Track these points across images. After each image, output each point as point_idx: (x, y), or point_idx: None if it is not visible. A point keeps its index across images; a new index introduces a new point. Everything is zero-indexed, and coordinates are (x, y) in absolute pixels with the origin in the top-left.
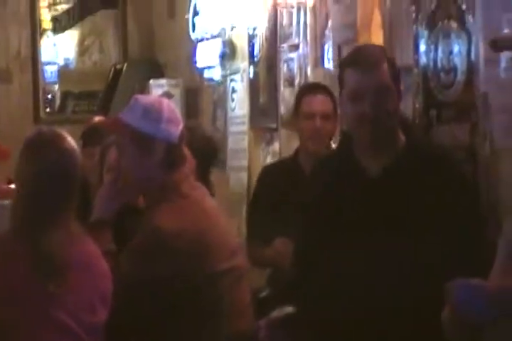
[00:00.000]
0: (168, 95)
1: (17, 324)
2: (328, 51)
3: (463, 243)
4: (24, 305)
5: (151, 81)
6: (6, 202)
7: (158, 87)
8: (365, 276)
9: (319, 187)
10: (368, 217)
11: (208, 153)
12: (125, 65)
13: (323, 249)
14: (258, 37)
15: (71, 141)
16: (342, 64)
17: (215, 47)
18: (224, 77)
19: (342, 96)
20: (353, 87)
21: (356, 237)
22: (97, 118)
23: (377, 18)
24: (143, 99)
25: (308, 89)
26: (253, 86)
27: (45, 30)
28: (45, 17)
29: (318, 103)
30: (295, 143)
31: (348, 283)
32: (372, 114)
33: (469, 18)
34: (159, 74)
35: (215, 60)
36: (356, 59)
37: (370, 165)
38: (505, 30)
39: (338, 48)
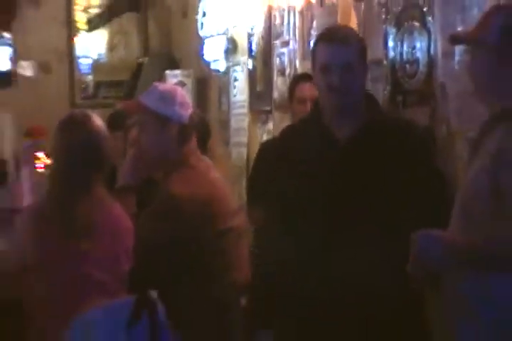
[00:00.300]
0: (181, 84)
1: (54, 282)
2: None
3: (428, 206)
4: (60, 263)
5: (168, 72)
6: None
7: (173, 77)
8: (336, 241)
9: (284, 153)
10: (336, 181)
11: (205, 131)
12: (146, 58)
13: (292, 214)
14: (255, 35)
15: (98, 121)
16: (316, 40)
17: (220, 43)
18: (227, 68)
19: (314, 69)
20: (324, 61)
21: (327, 202)
22: (121, 105)
23: (353, 19)
24: (160, 86)
25: (301, 78)
26: (251, 76)
27: (80, 30)
28: (80, 19)
29: (309, 89)
30: (286, 123)
31: (320, 248)
32: (340, 83)
33: (429, 19)
34: (174, 66)
35: (220, 54)
36: (329, 36)
37: (337, 133)
38: (459, 28)
39: None
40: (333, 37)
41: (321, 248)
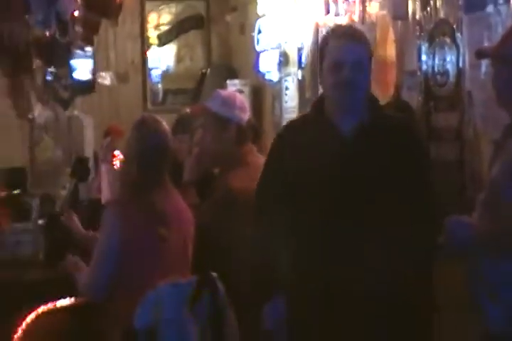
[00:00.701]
0: (239, 92)
1: (137, 267)
2: None
3: (417, 194)
4: (142, 250)
5: (228, 81)
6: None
7: (232, 86)
8: (342, 230)
9: (290, 146)
10: (340, 171)
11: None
12: (209, 69)
13: (297, 202)
14: (304, 49)
15: (164, 124)
16: (326, 38)
17: (274, 56)
18: (280, 78)
19: (322, 67)
20: (336, 56)
21: (333, 193)
22: (186, 110)
23: (391, 35)
24: (222, 92)
25: None
26: (301, 85)
27: (151, 45)
28: (152, 35)
29: None
30: None
31: (323, 239)
32: (350, 79)
33: (458, 35)
34: (234, 76)
35: (274, 66)
36: (340, 33)
37: (341, 129)
38: (485, 44)
39: None
40: (345, 34)
41: (326, 237)
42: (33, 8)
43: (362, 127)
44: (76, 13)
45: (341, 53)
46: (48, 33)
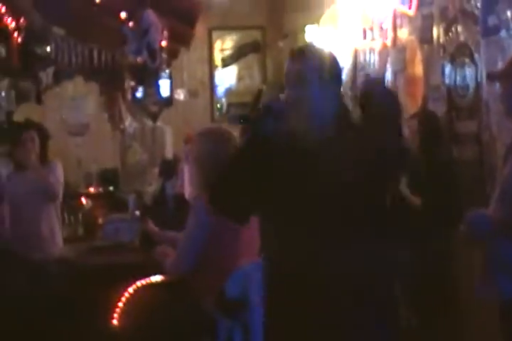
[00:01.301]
0: None
1: (218, 253)
2: (387, 76)
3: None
4: (222, 236)
5: (281, 95)
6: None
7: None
8: (317, 222)
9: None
10: (304, 187)
11: None
12: (264, 86)
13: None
14: (345, 68)
15: (226, 132)
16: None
17: None
18: None
19: None
20: (285, 73)
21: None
22: None
23: (419, 56)
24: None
25: None
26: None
27: (217, 66)
28: (217, 58)
29: None
30: None
31: (298, 234)
32: (294, 98)
33: (476, 56)
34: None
35: None
36: (292, 53)
37: (304, 139)
38: (500, 63)
39: (394, 75)
40: (294, 54)
41: (305, 234)
42: (128, 39)
43: (324, 139)
44: (163, 43)
45: (286, 74)
46: (140, 59)
